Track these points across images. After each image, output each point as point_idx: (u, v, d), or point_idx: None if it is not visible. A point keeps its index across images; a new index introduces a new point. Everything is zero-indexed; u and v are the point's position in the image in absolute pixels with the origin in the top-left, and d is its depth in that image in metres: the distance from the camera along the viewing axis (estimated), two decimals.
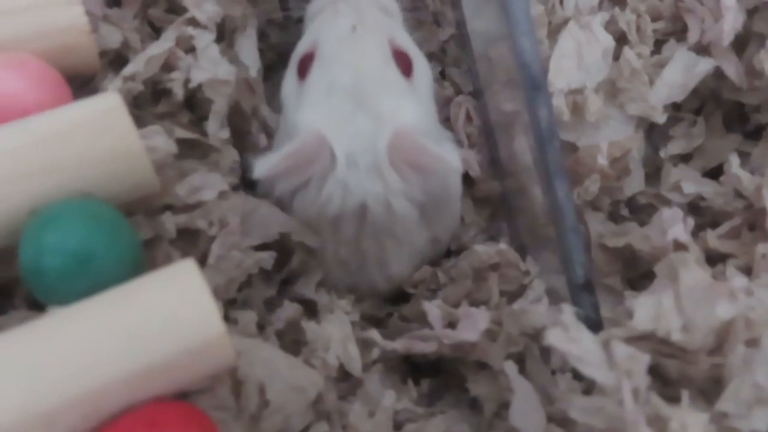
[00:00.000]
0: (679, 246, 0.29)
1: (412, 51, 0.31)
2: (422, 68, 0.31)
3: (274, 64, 0.38)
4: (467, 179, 0.38)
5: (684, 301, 0.25)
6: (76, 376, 0.18)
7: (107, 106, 0.22)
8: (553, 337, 0.24)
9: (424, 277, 0.35)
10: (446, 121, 0.39)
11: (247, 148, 0.33)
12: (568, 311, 0.25)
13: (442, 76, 0.39)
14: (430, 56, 0.40)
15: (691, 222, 0.29)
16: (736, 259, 0.30)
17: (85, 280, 0.20)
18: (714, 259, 0.30)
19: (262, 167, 0.26)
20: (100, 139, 0.21)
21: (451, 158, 0.26)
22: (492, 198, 0.40)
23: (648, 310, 0.25)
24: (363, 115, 0.27)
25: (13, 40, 0.24)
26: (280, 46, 0.38)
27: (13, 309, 0.25)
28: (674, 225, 0.29)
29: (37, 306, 0.25)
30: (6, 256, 0.22)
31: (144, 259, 0.22)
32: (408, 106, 0.28)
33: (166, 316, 0.19)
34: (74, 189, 0.21)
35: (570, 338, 0.24)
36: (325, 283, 0.33)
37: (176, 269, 0.20)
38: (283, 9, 0.37)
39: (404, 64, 0.29)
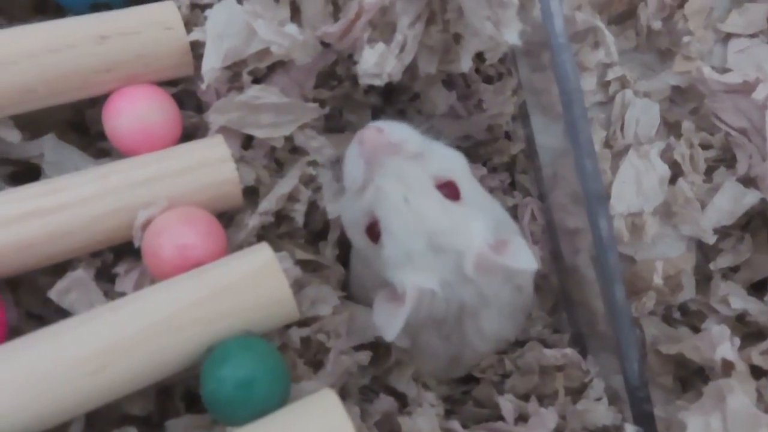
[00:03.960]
0: (726, 363, 0.33)
1: (452, 168, 0.33)
2: (464, 171, 0.34)
3: None
4: None
5: (729, 425, 0.29)
6: None
7: (264, 261, 0.28)
8: None
9: (491, 363, 0.40)
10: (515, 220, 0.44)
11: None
12: (629, 430, 0.30)
13: (512, 186, 0.44)
14: (503, 166, 0.45)
15: (737, 341, 0.34)
16: None
17: (252, 405, 0.26)
18: (758, 372, 0.34)
19: (390, 332, 0.30)
20: (259, 288, 0.27)
21: (526, 263, 0.30)
22: (553, 290, 0.45)
23: (698, 429, 0.30)
24: (445, 257, 0.31)
25: (181, 195, 0.30)
26: None
27: (174, 408, 0.31)
28: (722, 343, 0.34)
29: (192, 408, 0.31)
30: None
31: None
32: (474, 230, 0.31)
33: None
34: (240, 328, 0.27)
35: None
36: (421, 372, 0.38)
37: (321, 398, 0.26)
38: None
39: (452, 192, 0.32)
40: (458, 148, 0.46)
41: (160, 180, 0.30)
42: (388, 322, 0.30)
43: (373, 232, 0.32)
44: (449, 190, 0.32)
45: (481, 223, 0.32)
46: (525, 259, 0.30)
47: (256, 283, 0.27)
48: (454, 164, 0.34)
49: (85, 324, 0.26)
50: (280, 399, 0.26)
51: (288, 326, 0.32)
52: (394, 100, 0.44)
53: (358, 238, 0.33)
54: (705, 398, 0.31)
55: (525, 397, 0.38)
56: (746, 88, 0.36)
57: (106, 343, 0.25)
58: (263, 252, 0.28)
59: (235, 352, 0.26)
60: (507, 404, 0.36)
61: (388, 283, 0.32)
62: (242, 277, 0.27)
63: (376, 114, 0.44)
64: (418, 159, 0.32)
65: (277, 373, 0.26)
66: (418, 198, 0.31)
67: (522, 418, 0.37)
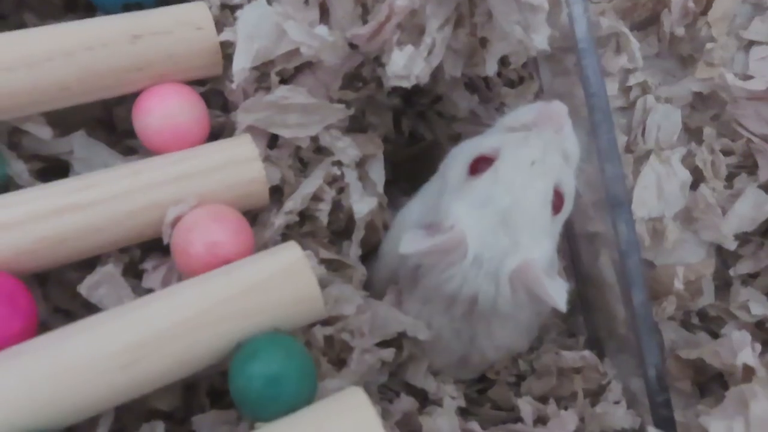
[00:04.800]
0: (747, 368, 0.33)
1: (570, 193, 0.34)
2: (569, 206, 0.34)
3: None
4: None
5: (753, 430, 0.29)
6: None
7: (293, 259, 0.28)
8: None
9: (505, 364, 0.41)
10: None
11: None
12: None
13: None
14: None
15: (758, 346, 0.34)
16: None
17: (280, 401, 0.26)
18: None
19: (409, 246, 0.30)
20: (288, 286, 0.28)
21: (559, 300, 0.30)
22: (570, 293, 0.45)
23: None
24: (504, 234, 0.31)
25: (209, 193, 0.31)
26: (392, 157, 0.45)
27: (198, 404, 0.32)
28: (743, 348, 0.34)
29: (216, 404, 0.32)
30: None
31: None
32: (543, 244, 0.32)
33: None
34: (268, 325, 0.27)
35: None
36: (432, 367, 0.38)
37: (350, 395, 0.26)
38: (396, 130, 0.43)
39: (557, 204, 0.33)
40: None
41: (190, 178, 0.30)
42: (415, 242, 0.31)
43: (478, 165, 0.33)
44: (557, 200, 0.33)
45: (549, 246, 0.33)
46: (560, 299, 0.31)
47: (286, 281, 0.28)
48: (571, 195, 0.34)
49: (118, 318, 0.26)
50: (308, 396, 0.27)
51: (311, 324, 0.33)
52: (415, 102, 0.45)
53: (457, 162, 0.34)
54: (727, 403, 0.32)
55: (542, 399, 0.38)
56: None
57: (138, 338, 0.26)
58: (293, 250, 0.29)
59: (265, 349, 0.26)
60: (526, 406, 0.37)
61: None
62: (272, 274, 0.28)
63: (398, 115, 0.44)
64: (565, 159, 0.34)
65: (305, 371, 0.27)
66: (541, 174, 0.32)
67: (541, 420, 0.37)
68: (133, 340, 0.26)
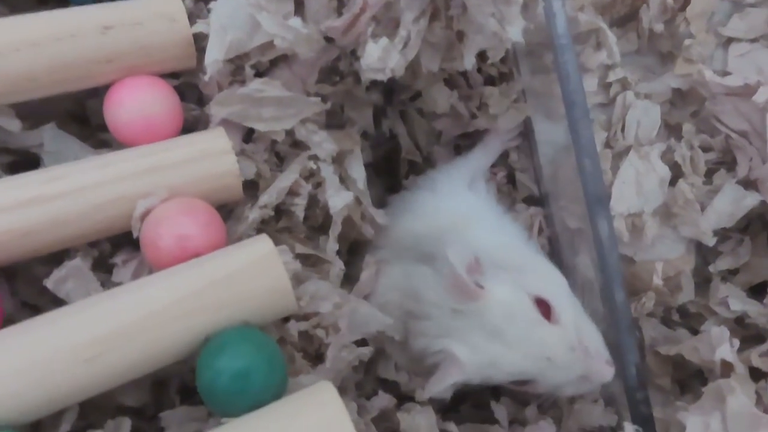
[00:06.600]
0: (725, 364, 0.33)
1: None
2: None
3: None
4: None
5: (729, 425, 0.29)
6: None
7: (263, 252, 0.28)
8: None
9: None
10: None
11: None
12: (629, 429, 0.30)
13: (511, 181, 0.44)
14: (499, 162, 0.45)
15: (736, 342, 0.34)
16: None
17: (248, 396, 0.25)
18: (757, 374, 0.34)
19: (452, 255, 0.32)
20: (258, 279, 0.27)
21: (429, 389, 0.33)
22: None
23: (697, 429, 0.29)
24: (488, 340, 0.33)
25: (181, 186, 0.30)
26: (373, 154, 0.45)
27: (169, 401, 0.31)
28: (722, 344, 0.34)
29: (187, 400, 0.31)
30: None
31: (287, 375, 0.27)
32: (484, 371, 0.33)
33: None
34: (238, 319, 0.27)
35: None
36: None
37: (319, 390, 0.26)
38: (376, 126, 0.43)
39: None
40: (457, 147, 0.46)
41: (161, 171, 0.30)
42: (458, 258, 0.32)
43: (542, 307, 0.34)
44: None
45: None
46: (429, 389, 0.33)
47: (255, 273, 0.27)
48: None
49: (83, 311, 0.26)
50: (277, 390, 0.26)
51: (286, 320, 0.32)
52: (395, 98, 0.44)
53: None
54: (704, 399, 0.31)
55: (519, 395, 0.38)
56: (747, 91, 0.36)
57: (103, 331, 0.25)
58: (263, 243, 0.28)
59: (233, 343, 0.26)
60: (501, 409, 0.36)
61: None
62: (241, 267, 0.27)
63: (378, 112, 0.44)
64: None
65: (274, 364, 0.26)
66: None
67: (518, 421, 0.37)
68: (98, 333, 0.25)
